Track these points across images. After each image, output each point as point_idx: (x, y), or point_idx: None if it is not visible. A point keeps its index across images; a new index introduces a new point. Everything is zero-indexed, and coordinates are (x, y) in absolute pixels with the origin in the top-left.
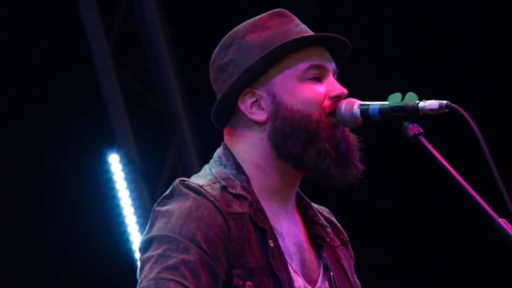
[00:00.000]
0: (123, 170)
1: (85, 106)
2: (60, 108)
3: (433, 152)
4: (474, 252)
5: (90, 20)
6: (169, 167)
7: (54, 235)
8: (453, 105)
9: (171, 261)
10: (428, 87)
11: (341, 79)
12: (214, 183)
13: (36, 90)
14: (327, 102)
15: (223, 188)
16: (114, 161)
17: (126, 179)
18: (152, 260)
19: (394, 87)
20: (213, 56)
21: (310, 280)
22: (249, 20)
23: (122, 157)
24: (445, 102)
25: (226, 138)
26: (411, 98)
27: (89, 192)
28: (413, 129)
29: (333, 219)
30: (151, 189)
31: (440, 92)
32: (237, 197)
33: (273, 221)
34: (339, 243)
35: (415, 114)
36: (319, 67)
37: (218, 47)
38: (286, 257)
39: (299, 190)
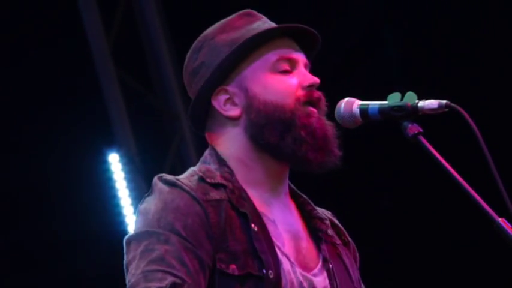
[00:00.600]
0: (123, 169)
1: (85, 106)
2: (60, 108)
3: (433, 152)
4: (474, 251)
5: (90, 20)
6: (169, 166)
7: (54, 234)
8: (452, 104)
9: (154, 254)
10: (427, 87)
11: (341, 79)
12: (192, 176)
13: (36, 90)
14: (300, 92)
15: (201, 179)
16: (114, 161)
17: (126, 178)
18: (136, 259)
19: (394, 87)
20: (186, 61)
21: (306, 267)
22: (218, 22)
23: (121, 156)
24: (444, 101)
25: (209, 141)
26: (410, 98)
27: (88, 192)
28: (412, 128)
29: (335, 220)
30: None
31: (439, 92)
32: (215, 185)
33: (263, 208)
34: (340, 242)
35: (414, 113)
36: (289, 59)
37: (189, 51)
38: (275, 240)
39: (295, 188)
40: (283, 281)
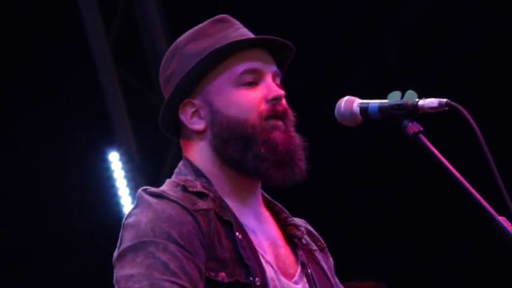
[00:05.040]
0: (123, 167)
1: (85, 104)
2: (60, 107)
3: (433, 150)
4: (474, 250)
5: (90, 18)
6: (169, 164)
7: (54, 233)
8: (453, 103)
9: (157, 262)
10: (427, 86)
11: (341, 78)
12: (175, 187)
13: (36, 89)
14: (263, 106)
15: (184, 188)
16: (114, 159)
17: (126, 177)
18: (137, 270)
19: (394, 86)
20: (160, 69)
21: (287, 274)
22: (191, 29)
23: (121, 155)
24: (444, 100)
25: (182, 149)
26: (411, 96)
27: (89, 190)
28: (412, 127)
29: (309, 227)
30: None
31: (439, 90)
32: (199, 194)
33: (242, 218)
34: (316, 248)
35: (414, 112)
36: (254, 71)
37: (163, 59)
38: (258, 248)
39: (269, 197)
40: None
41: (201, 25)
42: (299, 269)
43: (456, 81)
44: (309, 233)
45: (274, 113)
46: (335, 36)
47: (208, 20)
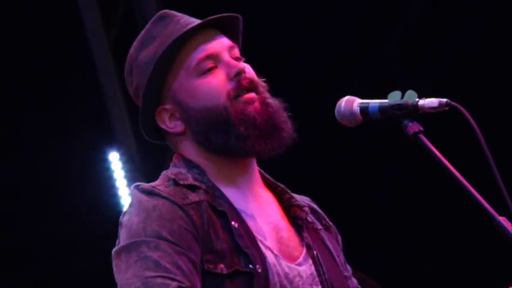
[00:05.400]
0: (123, 168)
1: (85, 104)
2: (60, 107)
3: (433, 150)
4: (473, 250)
5: (90, 18)
6: (169, 165)
7: (54, 233)
8: (453, 103)
9: (148, 261)
10: (427, 86)
11: (341, 78)
12: (167, 181)
13: (36, 89)
14: (229, 86)
15: (175, 182)
16: (114, 159)
17: (126, 177)
18: (130, 269)
19: (394, 86)
20: (126, 84)
21: (290, 257)
22: (139, 35)
23: (122, 155)
24: (444, 100)
25: (173, 149)
26: (411, 96)
27: (88, 190)
28: (413, 127)
29: (314, 206)
30: None
31: (439, 90)
32: (190, 187)
33: (239, 204)
34: (321, 227)
35: (414, 112)
36: (209, 56)
37: (125, 75)
38: (256, 235)
39: (271, 178)
40: (270, 274)
41: (145, 29)
42: (304, 251)
43: (456, 81)
44: (313, 211)
45: (241, 88)
46: (335, 36)
47: (150, 21)
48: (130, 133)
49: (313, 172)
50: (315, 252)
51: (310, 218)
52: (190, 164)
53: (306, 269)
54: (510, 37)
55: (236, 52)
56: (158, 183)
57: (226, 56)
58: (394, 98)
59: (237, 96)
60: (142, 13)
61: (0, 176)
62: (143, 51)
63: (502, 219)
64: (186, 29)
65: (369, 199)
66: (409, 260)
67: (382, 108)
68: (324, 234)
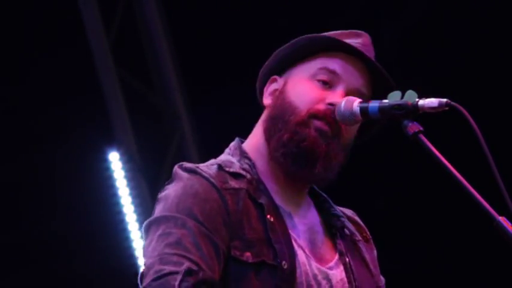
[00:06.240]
0: (123, 167)
1: (85, 104)
2: (60, 106)
3: (433, 150)
4: (473, 250)
5: (90, 18)
6: (169, 164)
7: (54, 233)
8: (453, 103)
9: (171, 238)
10: (427, 86)
11: None
12: (212, 164)
13: (36, 89)
14: (320, 106)
15: (220, 167)
16: (114, 159)
17: (126, 177)
18: (154, 242)
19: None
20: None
21: (322, 260)
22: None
23: (122, 155)
24: (444, 100)
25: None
26: (411, 96)
27: (89, 190)
28: (412, 127)
29: (356, 218)
30: (151, 187)
31: (439, 90)
32: (234, 175)
33: (280, 202)
34: (361, 238)
35: (414, 112)
36: (332, 72)
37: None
38: (291, 232)
39: (315, 187)
40: (298, 272)
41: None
42: (336, 257)
43: (456, 81)
44: (355, 223)
45: (323, 115)
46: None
47: (348, 31)
48: (130, 133)
49: None
50: (347, 259)
51: (348, 229)
52: (244, 154)
53: (337, 273)
54: (510, 37)
55: (357, 92)
56: (202, 165)
57: (342, 90)
58: (394, 98)
59: (313, 117)
60: (142, 13)
61: (1, 175)
62: (318, 33)
63: (502, 219)
64: (350, 43)
65: (369, 199)
66: (409, 260)
67: (382, 109)
68: (361, 245)
